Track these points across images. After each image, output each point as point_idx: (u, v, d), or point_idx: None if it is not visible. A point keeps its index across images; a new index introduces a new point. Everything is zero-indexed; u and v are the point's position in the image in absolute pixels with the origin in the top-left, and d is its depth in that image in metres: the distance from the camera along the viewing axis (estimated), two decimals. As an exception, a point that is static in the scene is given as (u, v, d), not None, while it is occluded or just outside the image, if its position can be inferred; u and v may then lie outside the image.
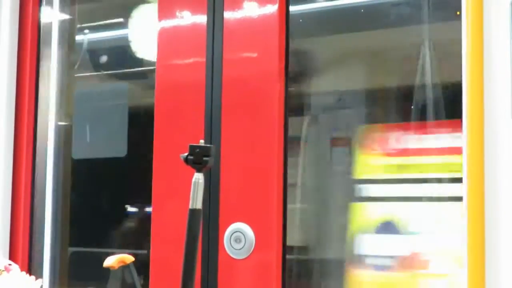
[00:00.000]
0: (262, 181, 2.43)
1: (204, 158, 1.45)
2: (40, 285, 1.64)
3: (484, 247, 1.92)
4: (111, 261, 1.53)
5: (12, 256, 2.86)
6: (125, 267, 1.53)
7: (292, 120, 2.59)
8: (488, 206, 1.93)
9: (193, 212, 1.42)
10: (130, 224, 3.46)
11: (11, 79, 2.93)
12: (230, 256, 2.43)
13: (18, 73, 2.95)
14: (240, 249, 2.42)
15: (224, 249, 2.44)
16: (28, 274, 1.67)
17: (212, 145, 1.50)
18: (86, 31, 3.41)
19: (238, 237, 2.42)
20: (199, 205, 1.43)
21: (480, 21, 1.99)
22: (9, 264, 1.70)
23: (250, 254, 2.41)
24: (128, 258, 1.55)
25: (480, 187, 1.94)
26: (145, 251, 2.70)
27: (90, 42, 3.40)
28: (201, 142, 1.48)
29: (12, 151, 2.91)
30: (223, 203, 2.47)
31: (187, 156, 1.45)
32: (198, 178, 1.44)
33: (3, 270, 1.66)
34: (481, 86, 1.97)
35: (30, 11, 2.97)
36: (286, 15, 2.51)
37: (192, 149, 1.45)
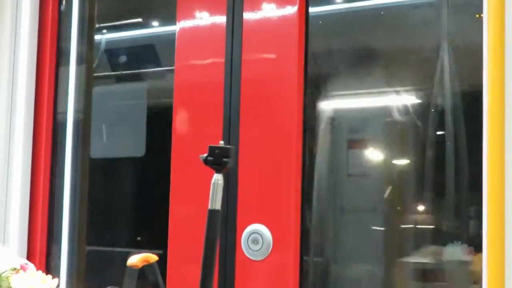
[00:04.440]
0: (280, 182, 2.43)
1: (224, 159, 1.45)
2: (56, 284, 1.65)
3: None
4: (135, 260, 1.53)
5: (29, 255, 2.87)
6: (148, 266, 1.53)
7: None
8: (508, 213, 1.91)
9: (212, 213, 1.43)
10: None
11: (31, 77, 2.94)
12: (248, 257, 2.43)
13: (38, 71, 2.96)
14: (258, 250, 2.42)
15: (242, 250, 2.44)
16: (44, 273, 1.67)
17: (232, 146, 1.49)
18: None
19: (255, 238, 2.42)
20: (218, 205, 1.43)
21: (502, 24, 1.97)
22: (25, 264, 1.71)
23: (268, 255, 2.41)
24: (152, 257, 1.55)
25: (501, 195, 1.92)
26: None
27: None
28: (221, 143, 1.47)
29: (30, 150, 2.92)
30: (241, 204, 2.46)
31: (207, 157, 1.44)
32: (218, 179, 1.44)
33: (19, 269, 1.67)
34: (502, 91, 1.95)
35: (50, 8, 2.98)
36: (305, 16, 2.50)
37: (212, 150, 1.45)
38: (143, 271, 1.56)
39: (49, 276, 1.65)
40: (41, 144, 2.94)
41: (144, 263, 1.53)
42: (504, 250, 1.91)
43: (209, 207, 1.44)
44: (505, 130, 1.93)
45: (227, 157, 1.45)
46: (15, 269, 1.67)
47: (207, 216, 1.43)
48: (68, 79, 3.01)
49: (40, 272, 1.67)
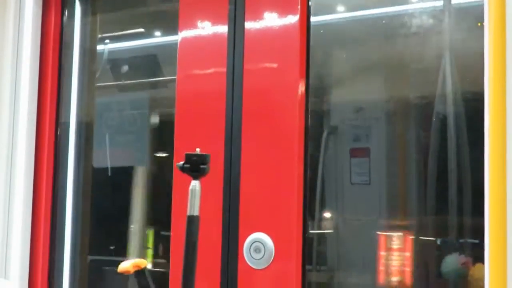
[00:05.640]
0: (282, 191, 2.43)
1: (201, 166, 1.49)
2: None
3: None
4: (126, 266, 1.54)
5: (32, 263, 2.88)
6: (139, 272, 1.55)
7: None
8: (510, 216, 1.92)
9: (191, 219, 1.48)
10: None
11: (33, 84, 2.95)
12: (250, 266, 2.43)
13: (40, 79, 2.97)
14: (260, 259, 2.42)
15: (244, 259, 2.44)
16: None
17: (208, 154, 1.52)
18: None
19: (257, 247, 2.42)
20: (196, 211, 1.48)
21: (503, 32, 1.98)
22: None
23: (270, 264, 2.41)
24: (143, 262, 1.56)
25: (502, 198, 1.93)
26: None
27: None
28: (197, 150, 1.51)
29: (33, 158, 2.92)
30: (243, 213, 2.47)
31: (184, 164, 1.49)
32: (195, 185, 1.50)
33: None
34: (503, 97, 1.96)
35: (52, 19, 3.00)
36: (307, 25, 2.51)
37: (189, 157, 1.49)
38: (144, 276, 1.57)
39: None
40: (43, 151, 2.94)
41: (136, 268, 1.54)
42: (506, 249, 1.91)
43: (188, 213, 1.49)
44: (507, 133, 1.93)
45: (204, 164, 1.49)
46: None
47: (186, 222, 1.48)
48: (70, 87, 3.03)
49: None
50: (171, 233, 2.59)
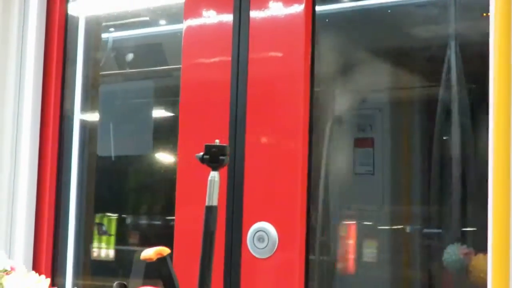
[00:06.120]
0: (286, 180, 2.43)
1: (220, 157, 1.49)
2: (48, 283, 1.65)
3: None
4: (149, 253, 1.55)
5: (35, 254, 2.88)
6: (161, 259, 1.56)
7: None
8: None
9: (209, 209, 1.49)
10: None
11: (38, 75, 2.95)
12: (253, 255, 2.43)
13: (45, 70, 2.97)
14: (263, 248, 2.42)
15: (247, 248, 2.44)
16: (38, 273, 1.67)
17: (227, 145, 1.53)
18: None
19: (261, 236, 2.42)
20: (215, 202, 1.49)
21: (508, 23, 1.97)
22: (15, 266, 1.69)
23: (273, 253, 2.41)
24: (165, 250, 1.57)
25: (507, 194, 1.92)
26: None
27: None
28: (217, 141, 1.51)
29: (37, 149, 2.93)
30: (247, 202, 2.47)
31: (203, 155, 1.49)
32: (214, 176, 1.50)
33: (10, 270, 1.66)
34: (508, 90, 1.95)
35: (57, 8, 2.99)
36: (312, 14, 2.50)
37: (208, 148, 1.50)
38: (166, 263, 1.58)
39: (42, 276, 1.65)
40: (47, 142, 2.94)
41: (158, 256, 1.56)
42: (509, 250, 1.91)
43: (206, 203, 1.50)
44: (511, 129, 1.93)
45: (223, 155, 1.50)
46: (5, 270, 1.66)
47: (204, 212, 1.49)
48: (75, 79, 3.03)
49: (33, 272, 1.67)
50: (175, 222, 2.59)
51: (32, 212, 2.89)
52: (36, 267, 2.83)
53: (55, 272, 2.92)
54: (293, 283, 2.39)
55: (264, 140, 2.49)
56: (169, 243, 2.44)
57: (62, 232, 2.95)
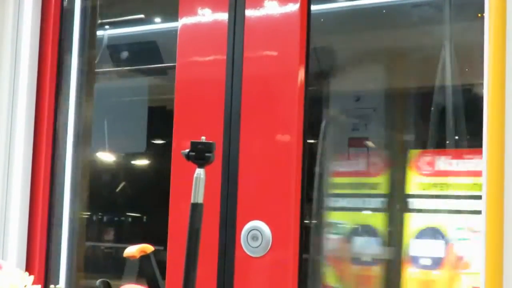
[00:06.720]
0: (280, 179, 2.43)
1: (206, 154, 1.49)
2: (31, 280, 1.64)
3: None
4: (132, 251, 1.54)
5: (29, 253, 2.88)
6: (144, 257, 1.55)
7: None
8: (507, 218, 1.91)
9: (195, 206, 1.48)
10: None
11: (33, 70, 2.94)
12: (247, 254, 2.43)
13: (40, 62, 2.96)
14: (257, 247, 2.42)
15: (241, 247, 2.44)
16: (31, 274, 1.66)
17: (213, 142, 1.52)
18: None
19: (255, 235, 2.42)
20: (200, 199, 1.48)
21: (503, 24, 1.97)
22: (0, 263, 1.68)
23: (267, 252, 2.41)
24: (149, 247, 1.56)
25: (499, 201, 1.92)
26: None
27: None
28: (203, 138, 1.51)
29: (31, 147, 2.92)
30: (241, 200, 2.47)
31: (189, 152, 1.49)
32: (200, 173, 1.50)
33: None
34: (503, 93, 1.95)
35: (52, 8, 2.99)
36: (307, 13, 2.50)
37: (194, 145, 1.49)
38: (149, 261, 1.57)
39: (26, 273, 1.64)
40: (42, 141, 2.93)
41: (142, 253, 1.54)
42: (502, 249, 1.91)
43: (192, 200, 1.50)
44: (505, 130, 1.93)
45: (209, 152, 1.49)
46: None
47: (190, 209, 1.49)
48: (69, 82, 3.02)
49: (18, 269, 1.65)
50: (169, 220, 2.59)
51: (25, 212, 2.88)
52: (29, 267, 2.83)
53: (49, 272, 2.92)
54: (286, 281, 2.39)
55: (258, 138, 2.49)
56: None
57: (56, 232, 2.94)
